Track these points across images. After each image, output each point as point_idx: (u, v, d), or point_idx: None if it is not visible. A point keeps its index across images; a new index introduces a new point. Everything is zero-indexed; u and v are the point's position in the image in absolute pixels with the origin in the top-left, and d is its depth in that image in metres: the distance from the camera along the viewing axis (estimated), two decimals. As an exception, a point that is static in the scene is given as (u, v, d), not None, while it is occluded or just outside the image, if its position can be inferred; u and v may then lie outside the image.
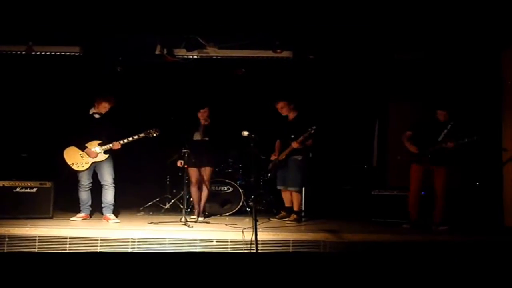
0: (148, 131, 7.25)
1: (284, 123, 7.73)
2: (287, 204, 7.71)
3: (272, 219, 7.60)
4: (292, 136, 7.41)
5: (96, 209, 7.57)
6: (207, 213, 7.89)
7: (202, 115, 7.65)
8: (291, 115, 7.69)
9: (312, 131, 7.14)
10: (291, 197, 7.58)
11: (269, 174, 7.82)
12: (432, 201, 7.11)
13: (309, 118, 7.45)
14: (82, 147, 7.26)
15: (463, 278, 4.15)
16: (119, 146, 7.24)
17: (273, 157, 7.75)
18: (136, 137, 7.27)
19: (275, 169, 7.68)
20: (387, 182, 7.94)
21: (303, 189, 7.76)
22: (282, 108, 7.66)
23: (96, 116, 7.40)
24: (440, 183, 6.98)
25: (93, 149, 7.24)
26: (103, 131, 7.33)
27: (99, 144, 7.26)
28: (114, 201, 7.38)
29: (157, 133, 7.28)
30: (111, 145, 7.21)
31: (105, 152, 7.28)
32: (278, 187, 7.74)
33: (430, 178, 7.07)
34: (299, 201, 7.52)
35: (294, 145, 7.34)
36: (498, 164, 7.78)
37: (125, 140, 7.25)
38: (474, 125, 7.95)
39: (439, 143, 6.92)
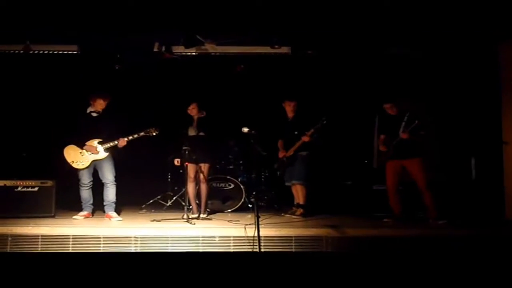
0: (148, 130, 7.27)
1: (284, 122, 7.80)
2: (297, 200, 7.74)
3: (284, 215, 7.65)
4: (296, 133, 7.48)
5: (98, 207, 7.57)
6: (209, 210, 7.88)
7: (191, 111, 7.67)
8: (292, 114, 7.76)
9: (324, 122, 7.23)
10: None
11: (278, 173, 7.84)
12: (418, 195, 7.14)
13: (310, 115, 7.48)
14: (82, 145, 7.27)
15: (464, 272, 4.19)
16: (125, 143, 7.25)
17: (281, 155, 7.78)
18: (135, 135, 7.28)
19: (283, 166, 7.70)
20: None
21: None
22: (294, 107, 7.71)
23: (94, 114, 7.41)
24: (417, 175, 6.98)
25: (93, 145, 7.24)
26: (101, 129, 7.33)
27: (98, 143, 7.27)
28: (116, 199, 7.39)
29: (157, 132, 7.30)
30: (116, 142, 7.22)
31: (105, 150, 7.28)
32: (286, 184, 7.78)
33: (407, 173, 7.09)
34: (305, 194, 7.56)
35: (305, 138, 7.42)
36: (499, 157, 7.80)
37: (130, 137, 7.25)
38: (474, 118, 8.03)
39: (396, 137, 7.03)
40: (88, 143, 7.27)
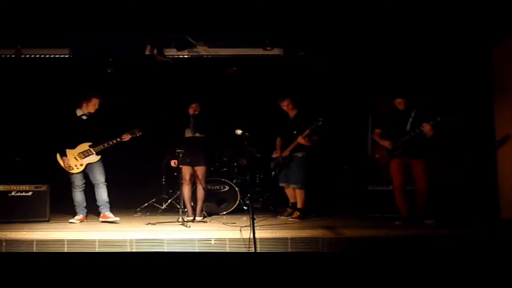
0: (132, 131, 7.32)
1: (284, 120, 7.76)
2: (292, 200, 7.77)
3: (280, 217, 7.65)
4: (295, 132, 7.45)
5: (90, 210, 7.55)
6: (205, 213, 7.84)
7: (193, 109, 7.64)
8: (292, 113, 7.72)
9: (320, 123, 7.19)
10: (295, 193, 7.62)
11: (273, 173, 7.82)
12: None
13: (310, 114, 7.46)
14: (74, 150, 7.26)
15: (460, 271, 4.20)
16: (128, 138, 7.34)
17: (275, 155, 7.76)
18: (118, 139, 7.33)
19: (279, 167, 7.68)
20: (382, 176, 7.96)
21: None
22: (288, 106, 7.68)
23: (84, 117, 7.39)
24: (419, 177, 6.86)
25: (85, 151, 7.25)
26: (92, 132, 7.34)
27: (90, 146, 7.26)
28: (110, 202, 7.39)
29: (141, 133, 7.37)
30: (106, 144, 7.24)
31: (97, 153, 7.28)
32: (281, 184, 7.77)
33: (410, 171, 6.98)
34: (303, 198, 7.51)
35: (300, 140, 7.35)
36: (492, 156, 7.84)
37: (119, 139, 7.27)
38: (467, 117, 8.05)
39: (408, 132, 6.80)
40: (79, 147, 7.28)
